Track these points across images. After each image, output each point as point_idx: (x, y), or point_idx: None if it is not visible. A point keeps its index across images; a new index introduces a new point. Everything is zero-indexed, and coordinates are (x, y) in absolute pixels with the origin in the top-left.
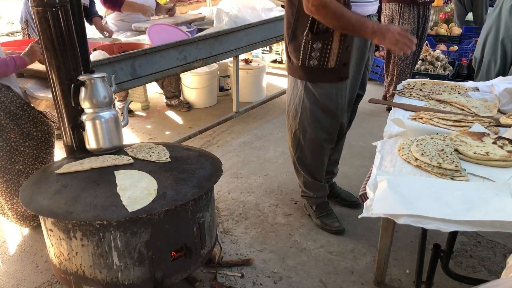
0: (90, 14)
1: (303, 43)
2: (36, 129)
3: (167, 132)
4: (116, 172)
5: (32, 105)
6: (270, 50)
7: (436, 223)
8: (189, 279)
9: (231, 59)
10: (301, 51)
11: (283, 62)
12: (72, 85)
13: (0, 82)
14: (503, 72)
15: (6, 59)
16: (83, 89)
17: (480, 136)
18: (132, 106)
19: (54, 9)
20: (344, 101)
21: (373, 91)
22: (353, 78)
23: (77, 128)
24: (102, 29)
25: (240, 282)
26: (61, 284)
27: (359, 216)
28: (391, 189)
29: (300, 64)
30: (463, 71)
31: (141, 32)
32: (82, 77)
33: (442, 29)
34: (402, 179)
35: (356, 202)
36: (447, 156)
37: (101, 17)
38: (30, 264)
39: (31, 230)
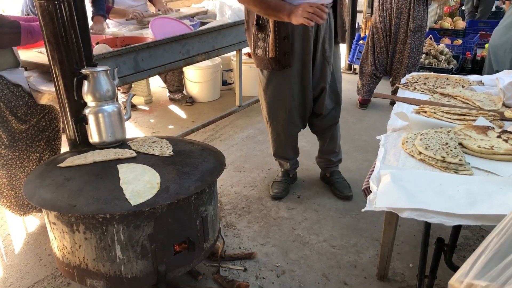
0: (93, 11)
1: (252, 34)
2: (44, 119)
3: (170, 126)
4: (119, 166)
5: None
6: None
7: (440, 217)
8: (192, 272)
9: (234, 53)
10: (252, 41)
11: None
12: (75, 79)
13: (12, 82)
14: None
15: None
16: (85, 83)
17: (484, 129)
18: (135, 100)
19: (56, 2)
20: (293, 88)
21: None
22: (302, 66)
23: (80, 121)
24: (95, 28)
25: (243, 275)
26: (64, 277)
27: (362, 210)
28: (394, 183)
29: (252, 52)
30: (468, 65)
31: (144, 25)
32: (84, 71)
33: (447, 23)
34: (406, 173)
35: (347, 196)
36: (451, 150)
37: (104, 17)
38: (34, 257)
39: (34, 224)
